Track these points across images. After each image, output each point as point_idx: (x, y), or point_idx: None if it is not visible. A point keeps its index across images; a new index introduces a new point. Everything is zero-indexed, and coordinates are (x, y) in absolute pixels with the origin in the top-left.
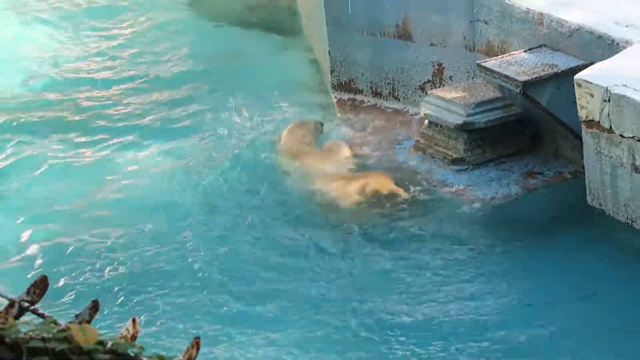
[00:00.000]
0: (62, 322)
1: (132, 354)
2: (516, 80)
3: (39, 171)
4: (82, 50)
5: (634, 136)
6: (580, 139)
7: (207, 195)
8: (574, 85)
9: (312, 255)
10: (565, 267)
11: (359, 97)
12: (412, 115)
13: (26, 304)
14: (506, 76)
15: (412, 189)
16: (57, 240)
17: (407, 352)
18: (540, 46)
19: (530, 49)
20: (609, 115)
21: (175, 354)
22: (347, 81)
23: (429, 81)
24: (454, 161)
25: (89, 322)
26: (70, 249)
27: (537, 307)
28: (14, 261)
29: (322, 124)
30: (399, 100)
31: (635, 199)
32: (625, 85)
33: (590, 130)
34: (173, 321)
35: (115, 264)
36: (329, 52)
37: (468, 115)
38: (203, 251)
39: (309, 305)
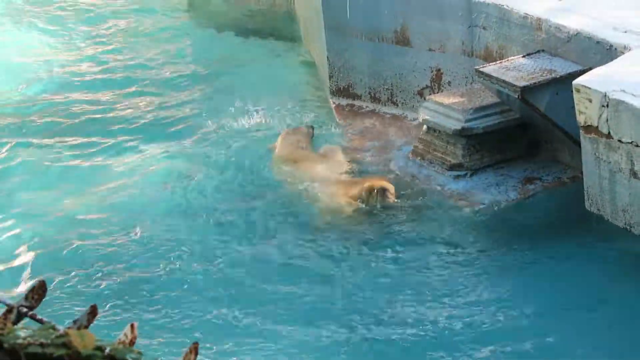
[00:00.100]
0: (61, 328)
1: None
2: (514, 85)
3: (34, 175)
4: (78, 55)
5: (632, 141)
6: (579, 144)
7: (204, 200)
8: (572, 91)
9: (312, 259)
10: (563, 272)
11: (357, 102)
12: (410, 120)
13: (25, 310)
14: (504, 81)
15: (410, 194)
16: (52, 245)
17: (407, 357)
18: (538, 51)
19: (528, 55)
20: (607, 120)
21: None
22: (346, 87)
23: (427, 87)
24: (453, 166)
25: (87, 327)
26: (66, 253)
27: (534, 312)
28: (9, 266)
29: (312, 128)
30: (398, 105)
31: (633, 204)
32: (624, 91)
33: (588, 135)
34: (171, 326)
35: (113, 268)
36: (327, 57)
37: (466, 121)
38: (201, 256)
39: (307, 309)
